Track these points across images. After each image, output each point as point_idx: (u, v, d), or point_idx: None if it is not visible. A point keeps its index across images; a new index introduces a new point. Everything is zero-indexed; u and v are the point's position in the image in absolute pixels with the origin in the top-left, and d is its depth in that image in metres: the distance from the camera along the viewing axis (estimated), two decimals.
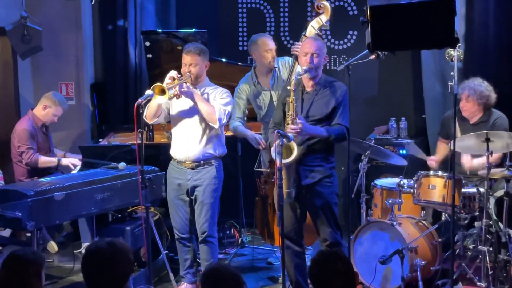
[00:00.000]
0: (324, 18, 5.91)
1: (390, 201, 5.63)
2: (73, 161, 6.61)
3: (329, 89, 4.99)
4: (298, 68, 5.94)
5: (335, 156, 5.13)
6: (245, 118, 6.24)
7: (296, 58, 5.87)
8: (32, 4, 7.14)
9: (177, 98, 5.29)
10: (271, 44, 6.09)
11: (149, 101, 5.15)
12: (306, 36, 5.88)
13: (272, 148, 4.88)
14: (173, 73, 5.24)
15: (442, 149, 6.28)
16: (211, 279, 3.19)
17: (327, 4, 5.91)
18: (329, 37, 7.73)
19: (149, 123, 5.53)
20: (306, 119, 4.93)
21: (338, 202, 5.16)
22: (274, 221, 5.89)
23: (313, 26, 5.91)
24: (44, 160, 6.54)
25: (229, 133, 6.40)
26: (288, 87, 4.96)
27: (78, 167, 6.50)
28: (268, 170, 6.05)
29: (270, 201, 6.04)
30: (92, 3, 7.35)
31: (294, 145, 4.80)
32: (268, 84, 6.14)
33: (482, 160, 5.74)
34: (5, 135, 7.62)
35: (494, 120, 5.93)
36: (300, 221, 5.14)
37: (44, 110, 6.62)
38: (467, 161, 5.87)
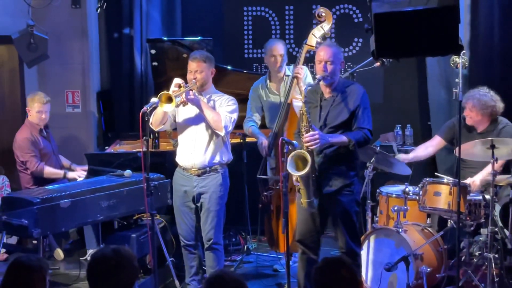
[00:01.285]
0: (326, 26, 5.91)
1: (396, 208, 5.62)
2: (79, 174, 6.63)
3: (346, 94, 4.92)
4: (310, 79, 6.00)
5: (357, 163, 5.09)
6: (259, 117, 6.30)
7: (295, 79, 5.89)
8: (39, 13, 7.18)
9: (184, 106, 5.31)
10: (276, 51, 6.12)
11: (154, 108, 5.16)
12: (307, 45, 5.90)
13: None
14: (178, 80, 5.26)
15: (434, 146, 6.23)
16: (214, 286, 3.19)
17: (328, 11, 5.91)
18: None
19: (155, 130, 5.54)
20: (324, 127, 4.90)
21: (359, 210, 5.12)
22: (278, 228, 5.89)
23: (314, 34, 5.90)
24: (50, 172, 6.55)
25: (235, 140, 6.41)
26: (298, 97, 4.95)
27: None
28: (272, 177, 6.06)
29: (272, 208, 6.04)
30: (98, 11, 7.38)
31: (307, 155, 4.75)
32: (278, 89, 6.17)
33: (484, 175, 5.72)
34: (12, 143, 7.67)
35: (501, 129, 5.92)
36: (319, 229, 5.09)
37: (29, 112, 6.64)
38: (474, 185, 5.79)
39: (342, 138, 4.86)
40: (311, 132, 4.77)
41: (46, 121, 6.71)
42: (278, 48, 6.15)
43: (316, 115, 4.97)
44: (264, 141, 6.07)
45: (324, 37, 6.00)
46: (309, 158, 4.74)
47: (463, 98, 5.83)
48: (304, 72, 5.96)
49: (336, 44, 5.14)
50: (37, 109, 6.60)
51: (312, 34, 5.90)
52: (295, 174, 4.76)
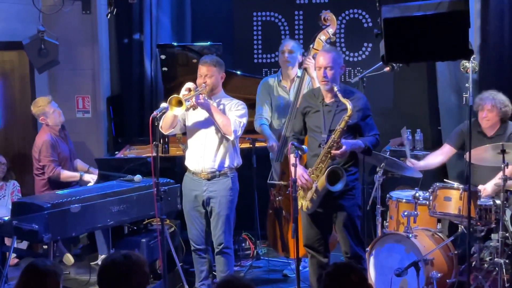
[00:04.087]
0: (331, 30, 5.98)
1: (406, 213, 5.61)
2: (94, 177, 6.65)
3: (351, 101, 4.84)
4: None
5: (358, 167, 5.14)
6: (269, 117, 6.32)
7: (305, 71, 5.94)
8: (49, 18, 7.21)
9: (194, 109, 5.33)
10: (285, 46, 6.23)
11: (164, 113, 5.19)
12: (314, 49, 5.94)
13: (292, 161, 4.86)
14: (189, 84, 5.28)
15: (444, 154, 6.21)
16: None
17: (333, 16, 5.99)
18: (344, 49, 7.74)
19: (165, 133, 5.55)
20: (329, 132, 4.89)
21: (361, 215, 5.14)
22: (289, 233, 5.88)
23: (320, 39, 5.98)
24: (67, 175, 6.57)
25: (245, 145, 6.42)
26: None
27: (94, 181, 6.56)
28: (281, 183, 6.05)
29: (284, 213, 6.03)
30: (108, 17, 7.41)
31: (342, 170, 4.78)
32: (289, 87, 6.18)
33: (494, 181, 5.71)
34: (23, 148, 7.71)
35: (511, 133, 5.90)
36: (325, 232, 5.12)
37: (44, 120, 6.67)
38: (484, 192, 5.78)
39: (362, 144, 4.90)
40: (342, 140, 4.78)
41: (63, 118, 6.74)
42: (287, 44, 6.26)
43: (318, 120, 4.98)
44: (274, 145, 6.07)
45: (329, 41, 6.06)
46: (343, 173, 4.78)
47: (479, 101, 5.84)
48: (313, 63, 5.90)
49: (335, 48, 5.22)
50: (51, 110, 6.65)
51: (319, 38, 5.97)
52: (330, 188, 4.78)
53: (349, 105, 4.76)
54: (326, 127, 4.94)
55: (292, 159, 4.84)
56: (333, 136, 4.81)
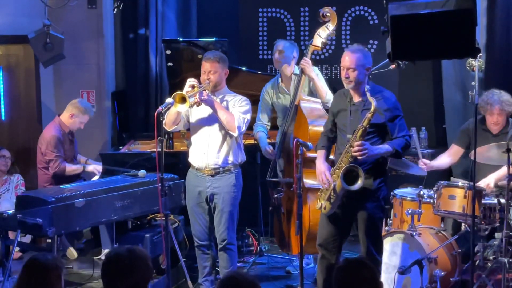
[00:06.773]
0: (331, 26, 5.88)
1: (410, 211, 5.59)
2: (97, 167, 6.67)
3: (378, 100, 4.75)
4: (322, 78, 6.00)
5: (386, 170, 5.03)
6: (269, 122, 6.30)
7: (302, 72, 5.88)
8: (55, 13, 7.21)
9: (197, 106, 5.32)
10: (277, 47, 6.16)
11: (169, 109, 5.17)
12: (313, 45, 5.87)
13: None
14: (192, 81, 5.27)
15: (453, 154, 6.19)
16: (228, 287, 3.19)
17: (333, 12, 5.88)
18: (349, 45, 7.72)
19: (168, 130, 5.55)
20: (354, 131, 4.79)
21: (383, 216, 5.07)
22: (290, 230, 5.87)
23: (319, 35, 5.86)
24: (71, 168, 6.59)
25: (249, 141, 6.41)
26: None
27: (98, 175, 6.56)
28: (283, 180, 6.03)
29: (283, 210, 6.02)
30: (114, 11, 7.41)
31: (360, 169, 4.65)
32: (288, 88, 6.16)
33: (498, 176, 5.70)
34: (27, 142, 7.73)
35: None
36: (341, 234, 5.02)
37: (71, 118, 6.66)
38: (488, 188, 5.75)
39: (389, 149, 4.78)
40: (361, 142, 4.67)
41: (75, 129, 6.78)
42: (277, 45, 6.19)
43: (346, 119, 4.89)
44: (268, 149, 6.06)
45: (329, 37, 5.99)
46: (361, 172, 4.66)
47: (486, 105, 5.78)
48: (310, 63, 5.89)
49: (363, 48, 5.02)
50: (83, 120, 6.72)
51: (317, 34, 5.88)
52: (347, 187, 4.68)
53: (373, 102, 4.63)
54: (352, 127, 4.83)
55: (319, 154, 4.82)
56: (355, 134, 4.72)
